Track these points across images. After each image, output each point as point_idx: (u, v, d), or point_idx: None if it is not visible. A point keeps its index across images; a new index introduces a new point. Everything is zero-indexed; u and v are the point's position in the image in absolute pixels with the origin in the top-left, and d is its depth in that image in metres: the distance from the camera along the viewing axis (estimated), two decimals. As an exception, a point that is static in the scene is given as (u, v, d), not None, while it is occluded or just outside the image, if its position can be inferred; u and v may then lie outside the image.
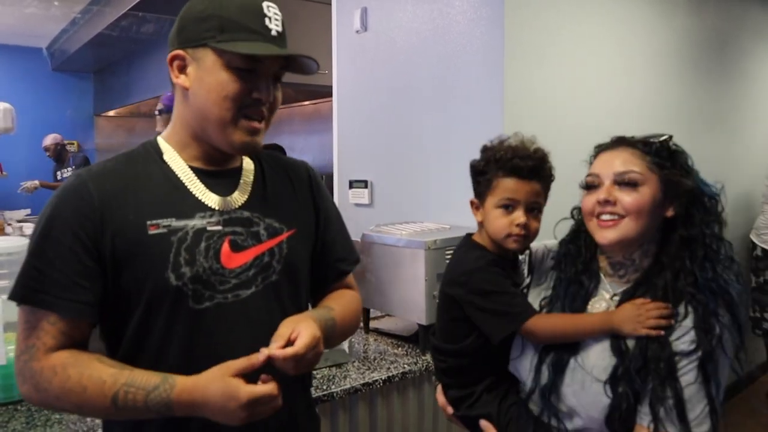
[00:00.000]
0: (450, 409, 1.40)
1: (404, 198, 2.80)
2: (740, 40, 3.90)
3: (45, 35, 6.81)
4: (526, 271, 1.38)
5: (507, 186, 1.25)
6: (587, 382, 1.17)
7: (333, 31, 3.18)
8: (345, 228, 1.36)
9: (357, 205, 3.05)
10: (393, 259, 2.10)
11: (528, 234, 1.27)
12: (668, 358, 1.10)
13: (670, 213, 1.18)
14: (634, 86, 3.02)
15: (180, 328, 1.07)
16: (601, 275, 1.26)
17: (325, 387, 1.74)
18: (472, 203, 1.34)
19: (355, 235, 2.19)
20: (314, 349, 1.02)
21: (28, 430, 1.46)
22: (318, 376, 1.82)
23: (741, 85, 3.97)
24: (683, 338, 1.12)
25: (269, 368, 1.00)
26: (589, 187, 1.22)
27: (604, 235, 1.18)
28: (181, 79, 1.09)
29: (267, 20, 1.07)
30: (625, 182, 1.17)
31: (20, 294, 1.03)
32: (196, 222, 1.09)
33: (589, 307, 1.24)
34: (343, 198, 3.14)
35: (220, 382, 0.97)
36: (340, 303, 1.25)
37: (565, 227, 1.35)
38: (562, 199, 1.32)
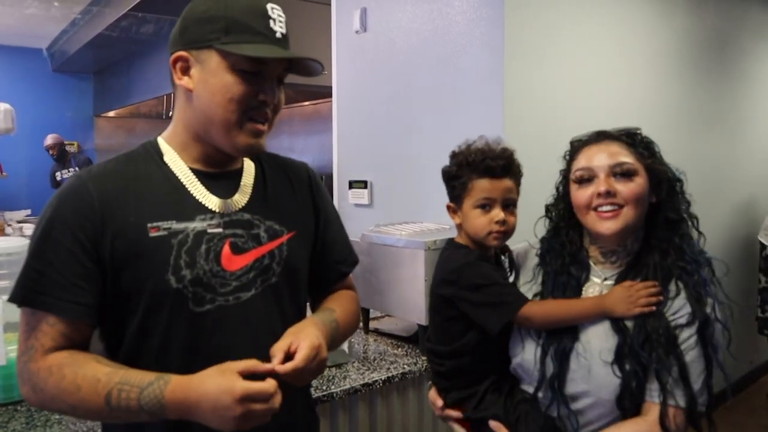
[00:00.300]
0: (440, 402, 1.39)
1: (404, 198, 2.80)
2: (740, 40, 3.90)
3: (45, 36, 6.81)
4: (508, 270, 1.41)
5: (482, 186, 1.29)
6: (594, 366, 1.19)
7: (332, 32, 3.18)
8: (344, 229, 1.36)
9: (357, 205, 3.05)
10: (393, 260, 2.10)
11: (507, 229, 1.31)
12: (666, 328, 1.15)
13: (653, 199, 1.25)
14: (634, 86, 3.02)
15: (180, 331, 1.06)
16: (591, 264, 1.30)
17: (324, 387, 1.74)
18: (449, 207, 1.37)
19: (354, 236, 2.20)
20: (315, 359, 1.02)
21: (27, 431, 1.46)
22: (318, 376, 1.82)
23: (741, 85, 3.97)
24: (680, 312, 1.17)
25: (272, 377, 0.99)
26: (582, 181, 1.26)
27: (607, 226, 1.22)
28: (184, 81, 1.08)
29: (272, 22, 1.07)
30: (621, 173, 1.22)
31: (20, 296, 1.03)
32: (197, 224, 1.08)
33: (582, 293, 1.28)
34: (343, 198, 3.14)
35: (217, 377, 0.95)
36: (341, 304, 1.26)
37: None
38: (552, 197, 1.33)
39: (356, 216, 3.02)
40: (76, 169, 6.48)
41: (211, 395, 0.94)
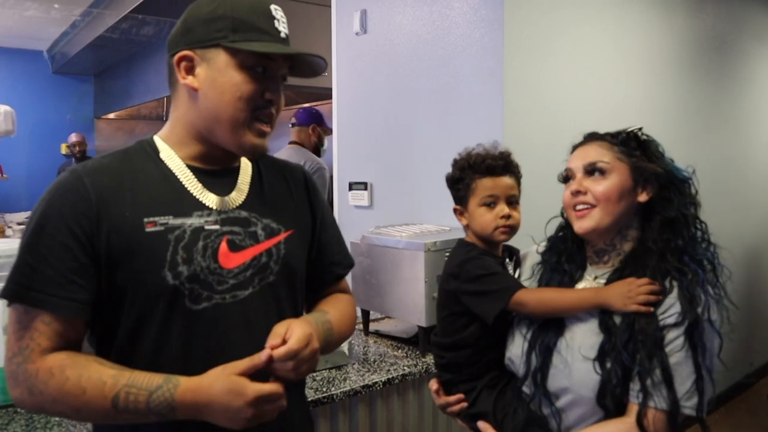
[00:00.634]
0: (435, 386, 1.42)
1: (404, 200, 2.80)
2: (739, 42, 3.90)
3: (46, 38, 6.82)
4: (512, 269, 1.43)
5: (486, 185, 1.35)
6: (575, 361, 1.20)
7: (332, 34, 3.18)
8: (339, 232, 1.36)
9: (356, 207, 3.05)
10: (392, 261, 2.10)
11: (513, 224, 1.36)
12: (654, 331, 1.14)
13: (643, 198, 1.24)
14: (634, 88, 3.03)
15: (176, 329, 1.05)
16: (588, 263, 1.32)
17: (324, 389, 1.74)
18: (455, 210, 1.42)
19: (354, 237, 2.21)
20: (308, 346, 1.01)
21: (24, 429, 1.46)
22: (318, 378, 1.82)
23: (740, 86, 3.97)
24: (669, 311, 1.16)
25: (269, 375, 1.00)
26: (566, 180, 1.30)
27: (580, 224, 1.25)
28: (188, 80, 1.07)
29: (276, 22, 1.08)
30: (594, 172, 1.24)
31: (12, 292, 0.99)
32: (194, 220, 1.08)
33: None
34: (343, 200, 3.14)
35: (225, 381, 0.96)
36: (336, 307, 1.26)
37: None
38: (558, 198, 1.33)
39: (356, 218, 3.02)
40: None
41: (223, 399, 0.96)
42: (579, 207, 1.25)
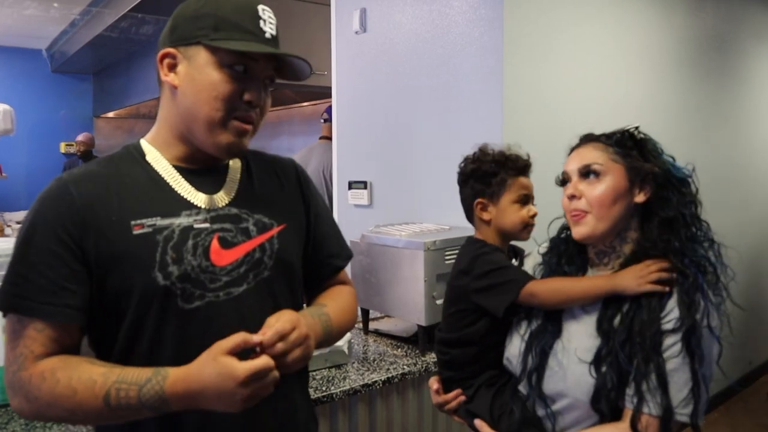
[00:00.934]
0: (436, 385, 1.42)
1: (403, 199, 2.80)
2: (739, 41, 3.91)
3: (44, 37, 6.81)
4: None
5: (522, 183, 1.40)
6: (571, 364, 1.19)
7: (332, 33, 3.18)
8: (335, 224, 1.35)
9: (356, 205, 3.05)
10: (392, 260, 2.10)
11: (534, 223, 1.41)
12: (654, 335, 1.12)
13: (640, 198, 1.22)
14: (633, 87, 3.03)
15: (171, 329, 1.05)
16: (588, 266, 1.31)
17: (324, 388, 1.74)
18: (479, 204, 1.41)
19: (354, 236, 2.20)
20: (296, 330, 0.99)
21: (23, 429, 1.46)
22: (317, 377, 1.82)
23: (740, 85, 3.97)
24: (668, 316, 1.14)
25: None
26: (563, 183, 1.29)
27: (576, 229, 1.25)
28: (170, 77, 1.07)
29: (262, 22, 1.07)
30: (588, 174, 1.23)
31: (4, 303, 1.01)
32: (182, 220, 1.07)
33: None
34: (343, 199, 3.14)
35: (213, 364, 0.93)
36: (335, 299, 1.25)
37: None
38: (560, 198, 1.33)
39: (356, 216, 3.02)
40: None
41: (214, 383, 0.93)
42: (574, 213, 1.24)
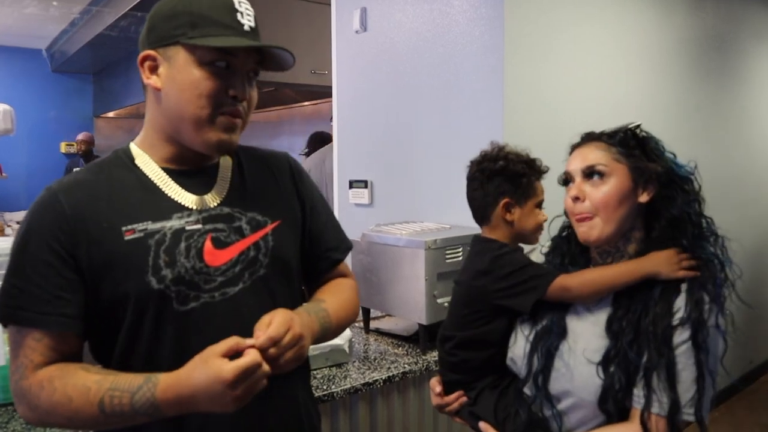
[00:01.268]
0: (438, 388, 1.40)
1: (404, 198, 2.80)
2: (739, 40, 3.90)
3: (44, 36, 6.80)
4: None
5: (541, 188, 1.40)
6: (578, 365, 1.19)
7: (332, 32, 3.18)
8: (333, 216, 1.34)
9: (357, 205, 3.05)
10: (393, 259, 2.10)
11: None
12: (665, 330, 1.12)
13: (644, 198, 1.22)
14: (634, 86, 3.03)
15: (168, 332, 1.05)
16: (591, 265, 1.30)
17: (325, 387, 1.74)
18: (507, 203, 1.36)
19: (355, 235, 2.20)
20: (289, 331, 0.98)
21: (27, 431, 1.46)
22: (318, 375, 1.82)
23: (740, 85, 3.97)
24: (677, 314, 1.14)
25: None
26: (566, 183, 1.28)
27: (582, 230, 1.24)
28: (152, 80, 1.06)
29: (239, 15, 1.05)
30: (592, 175, 1.22)
31: (2, 314, 1.02)
32: (174, 223, 1.07)
33: None
34: (343, 198, 3.14)
35: (202, 368, 0.92)
36: (334, 294, 1.24)
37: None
38: (561, 197, 1.32)
39: (357, 216, 3.02)
40: None
41: (203, 386, 0.92)
42: (579, 216, 1.23)
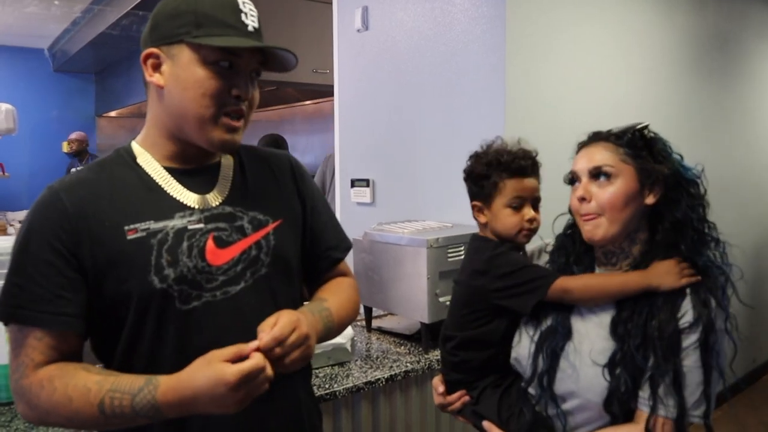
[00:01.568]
0: (441, 388, 1.40)
1: (406, 196, 2.80)
2: (742, 39, 3.89)
3: (46, 36, 6.81)
4: None
5: (514, 186, 1.32)
6: (584, 366, 1.18)
7: (334, 31, 3.18)
8: (333, 215, 1.34)
9: (359, 203, 3.05)
10: (395, 258, 2.10)
11: (536, 227, 1.35)
12: (671, 334, 1.11)
13: (650, 200, 1.21)
14: (636, 85, 3.02)
15: (170, 331, 1.05)
16: (596, 265, 1.30)
17: (327, 386, 1.74)
18: (474, 206, 1.38)
19: (357, 234, 2.20)
20: (295, 331, 0.98)
21: (30, 430, 1.46)
22: (320, 374, 1.82)
23: (743, 84, 3.96)
24: (684, 318, 1.13)
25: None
26: (572, 182, 1.27)
27: (587, 229, 1.23)
28: (155, 78, 1.07)
29: (243, 15, 1.06)
30: (598, 176, 1.21)
31: (3, 313, 1.02)
32: (176, 222, 1.07)
33: None
34: (345, 197, 3.14)
35: (205, 370, 0.93)
36: (335, 293, 1.24)
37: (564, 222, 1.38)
38: (563, 195, 1.32)
39: (358, 214, 3.02)
40: None
41: (206, 389, 0.92)
42: (585, 216, 1.22)
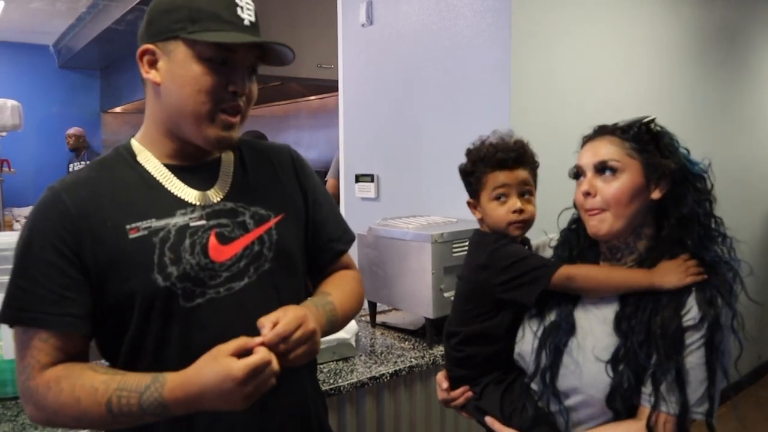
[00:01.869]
0: (445, 384, 1.39)
1: (411, 191, 2.79)
2: (749, 33, 3.87)
3: (51, 32, 6.83)
4: None
5: (497, 179, 1.32)
6: (587, 362, 1.18)
7: (338, 25, 3.17)
8: (336, 208, 1.33)
9: (363, 199, 3.05)
10: (399, 253, 2.09)
11: (526, 218, 1.33)
12: (675, 332, 1.10)
13: (656, 195, 1.19)
14: (641, 79, 3.01)
15: (175, 329, 1.05)
16: (601, 260, 1.28)
17: (332, 381, 1.74)
18: (469, 204, 1.39)
19: (361, 229, 2.20)
20: (300, 327, 0.98)
21: (35, 424, 1.47)
22: (325, 370, 1.82)
23: (750, 78, 3.94)
24: (688, 314, 1.12)
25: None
26: (576, 177, 1.26)
27: (592, 224, 1.22)
28: (151, 75, 1.06)
29: (239, 10, 1.04)
30: (605, 170, 1.20)
31: (8, 315, 1.02)
32: (178, 219, 1.06)
33: None
34: (350, 192, 3.14)
35: (212, 366, 0.92)
36: (339, 286, 1.24)
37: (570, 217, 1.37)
38: (568, 190, 1.31)
39: (363, 209, 3.02)
40: (88, 162, 6.55)
41: (213, 384, 0.92)
42: (590, 211, 1.21)
